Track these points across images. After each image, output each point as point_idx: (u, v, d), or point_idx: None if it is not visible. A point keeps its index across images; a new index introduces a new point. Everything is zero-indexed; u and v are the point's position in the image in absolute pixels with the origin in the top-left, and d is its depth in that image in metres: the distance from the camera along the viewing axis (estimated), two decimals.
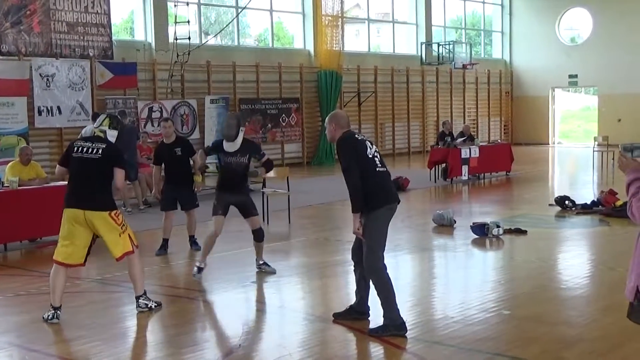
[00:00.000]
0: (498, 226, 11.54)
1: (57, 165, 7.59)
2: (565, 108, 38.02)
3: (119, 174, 7.35)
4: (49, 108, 19.38)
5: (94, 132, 7.46)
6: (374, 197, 6.72)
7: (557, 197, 14.59)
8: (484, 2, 34.61)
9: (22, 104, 18.66)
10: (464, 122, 28.86)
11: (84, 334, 6.92)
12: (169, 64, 21.62)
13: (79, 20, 19.98)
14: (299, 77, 25.80)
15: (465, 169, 19.23)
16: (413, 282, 9.24)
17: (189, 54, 21.56)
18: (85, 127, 16.15)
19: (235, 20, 24.93)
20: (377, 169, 6.79)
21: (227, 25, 25.30)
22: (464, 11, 34.13)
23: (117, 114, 17.40)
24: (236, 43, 25.27)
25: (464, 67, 30.50)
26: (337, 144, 6.86)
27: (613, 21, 31.57)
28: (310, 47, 26.55)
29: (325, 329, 7.07)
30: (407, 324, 6.71)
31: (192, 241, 10.75)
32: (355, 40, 31.04)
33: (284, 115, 25.04)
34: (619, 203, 13.29)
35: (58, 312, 7.25)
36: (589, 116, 38.11)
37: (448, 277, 9.74)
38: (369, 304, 7.14)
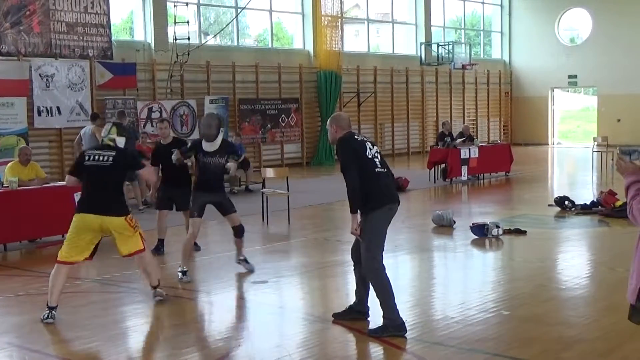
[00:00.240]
0: (497, 227, 11.55)
1: (68, 175, 7.69)
2: (564, 108, 38.04)
3: (144, 172, 7.79)
4: (49, 108, 19.38)
5: (103, 141, 7.59)
6: (373, 197, 6.72)
7: (556, 198, 14.59)
8: (483, 3, 34.62)
9: (22, 104, 18.65)
10: (464, 123, 28.85)
11: (83, 334, 6.92)
12: (169, 64, 21.62)
13: (79, 21, 19.97)
14: (298, 78, 25.80)
15: (464, 169, 19.24)
16: (413, 282, 9.24)
17: (188, 54, 21.56)
18: (84, 127, 16.17)
19: (234, 20, 24.93)
20: (377, 170, 6.80)
21: (226, 26, 25.30)
22: (463, 11, 34.13)
23: (116, 115, 17.47)
24: (236, 43, 25.27)
25: (464, 67, 30.50)
26: (337, 145, 6.89)
27: (612, 21, 31.59)
28: (309, 47, 26.55)
29: (325, 329, 7.07)
30: (407, 325, 6.71)
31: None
32: (354, 41, 31.05)
33: (283, 115, 25.04)
34: (618, 203, 13.29)
35: (54, 312, 7.25)
36: (588, 116, 38.16)
37: (448, 278, 9.74)
38: (369, 304, 7.14)
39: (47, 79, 19.29)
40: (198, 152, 9.12)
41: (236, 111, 23.57)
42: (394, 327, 6.65)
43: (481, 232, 11.48)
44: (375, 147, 6.96)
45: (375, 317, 6.90)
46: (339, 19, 26.64)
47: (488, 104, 33.80)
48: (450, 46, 30.39)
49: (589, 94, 39.38)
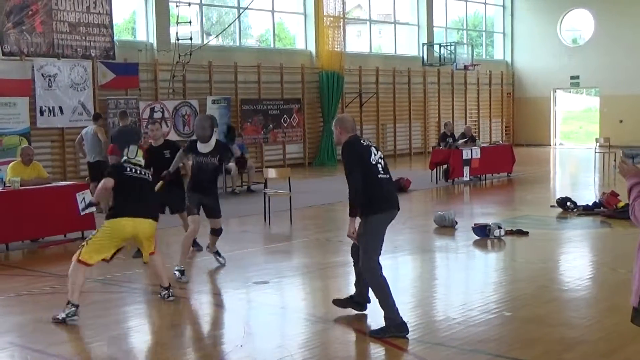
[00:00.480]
0: (499, 227, 11.54)
1: (109, 178, 7.80)
2: (566, 109, 38.01)
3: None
4: (51, 108, 19.39)
5: (130, 160, 7.98)
6: (374, 202, 6.79)
7: (558, 199, 14.58)
8: (485, 3, 34.60)
9: (24, 104, 18.67)
10: (466, 123, 28.81)
11: (85, 334, 6.93)
12: (171, 65, 21.63)
13: (81, 21, 19.99)
14: (300, 78, 25.79)
15: (466, 170, 19.22)
16: (414, 283, 9.24)
17: (190, 54, 21.57)
18: (86, 127, 16.16)
19: (237, 20, 24.92)
20: (379, 176, 6.86)
21: (228, 26, 25.30)
22: (465, 12, 34.11)
23: (118, 115, 17.46)
24: (238, 43, 25.27)
25: (466, 68, 30.48)
26: (342, 148, 6.94)
27: (615, 22, 31.56)
28: (312, 47, 26.55)
29: (326, 329, 7.07)
30: (408, 325, 6.72)
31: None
32: (356, 41, 31.05)
33: (285, 116, 25.04)
34: (620, 204, 13.28)
35: (77, 309, 7.23)
36: (590, 117, 38.13)
37: (449, 279, 9.73)
38: (369, 296, 7.28)
39: (49, 79, 19.30)
40: (193, 152, 9.28)
41: (238, 111, 23.57)
42: (395, 327, 6.67)
43: (483, 233, 11.47)
44: (379, 153, 7.01)
45: (376, 317, 6.91)
46: (341, 20, 26.62)
47: (490, 105, 33.77)
48: (453, 47, 30.38)
49: (591, 94, 39.36)
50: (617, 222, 12.83)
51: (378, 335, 6.68)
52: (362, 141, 7.02)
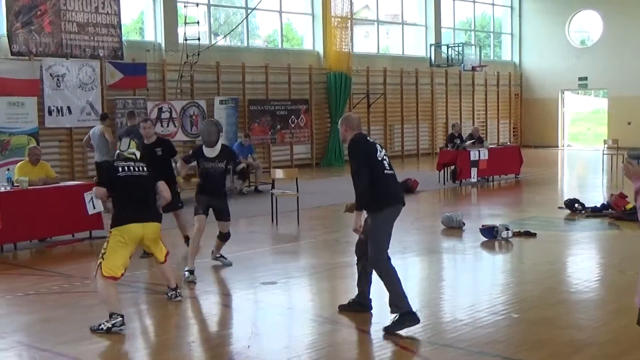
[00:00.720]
0: (507, 229, 11.51)
1: (98, 187, 7.62)
2: (574, 110, 37.90)
3: (164, 187, 7.80)
4: (59, 108, 19.44)
5: (122, 155, 7.68)
6: (381, 198, 6.94)
7: (566, 200, 14.54)
8: (493, 4, 34.55)
9: (33, 103, 18.72)
10: (473, 124, 28.75)
11: (93, 334, 6.92)
12: (179, 65, 21.66)
13: (89, 21, 20.04)
14: (308, 79, 25.80)
15: (474, 171, 19.19)
16: (422, 284, 9.22)
17: (198, 54, 21.60)
18: (93, 127, 16.20)
19: (244, 21, 24.94)
20: (385, 172, 7.03)
21: (236, 26, 25.32)
22: (473, 13, 34.06)
23: (126, 115, 17.49)
24: (245, 44, 25.30)
25: (474, 69, 30.45)
26: (348, 145, 7.13)
27: (623, 23, 31.47)
28: (319, 48, 26.56)
29: (334, 330, 7.08)
30: (416, 326, 6.74)
31: (187, 241, 10.68)
32: (364, 42, 31.03)
33: (293, 116, 25.04)
34: (629, 206, 13.23)
35: (123, 319, 7.07)
36: (598, 119, 38.03)
37: (457, 280, 9.72)
38: (371, 297, 7.41)
39: (57, 79, 19.35)
40: (199, 157, 9.36)
41: (246, 112, 23.58)
42: (407, 318, 6.80)
43: (490, 234, 11.45)
44: (383, 150, 7.17)
45: (381, 315, 6.91)
46: (349, 20, 26.62)
47: (498, 106, 33.72)
48: (460, 48, 30.36)
49: (599, 96, 39.26)
50: (625, 224, 12.79)
51: (393, 330, 6.77)
52: (367, 138, 7.23)
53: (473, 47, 31.52)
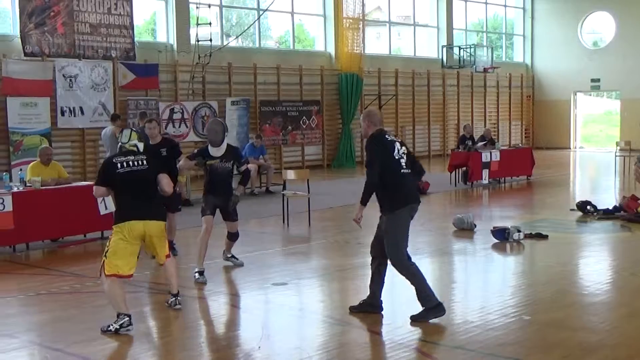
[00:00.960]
0: (519, 231, 11.48)
1: (97, 186, 7.53)
2: (587, 112, 37.76)
3: (165, 179, 7.58)
4: (72, 108, 19.52)
5: (124, 148, 7.53)
6: (398, 197, 7.09)
7: (578, 202, 14.49)
8: (505, 6, 34.49)
9: (45, 104, 18.82)
10: (485, 126, 28.76)
11: (103, 335, 6.94)
12: (191, 66, 21.71)
13: (102, 22, 20.13)
14: (319, 80, 25.81)
15: (485, 172, 19.16)
16: (433, 286, 9.12)
17: (210, 55, 21.64)
18: (105, 127, 16.25)
19: (256, 22, 24.98)
20: (402, 171, 7.14)
21: (248, 28, 25.35)
22: (485, 14, 34.00)
23: (138, 115, 17.56)
24: (257, 45, 25.33)
25: (485, 70, 30.39)
26: (367, 141, 7.27)
27: (636, 25, 31.32)
28: (331, 49, 26.57)
29: (344, 332, 7.08)
30: (426, 328, 6.78)
31: (170, 246, 10.58)
32: (376, 43, 31.02)
33: (304, 117, 25.06)
34: None
35: (130, 319, 7.07)
36: (611, 120, 37.88)
37: (468, 282, 9.70)
38: (382, 299, 7.46)
39: (70, 80, 19.43)
40: (205, 157, 9.34)
41: (257, 113, 23.62)
42: (433, 310, 7.07)
43: (502, 236, 11.42)
44: (403, 147, 7.26)
45: (392, 319, 6.90)
46: (361, 21, 26.63)
47: (510, 108, 33.65)
48: (472, 49, 30.30)
49: (611, 98, 39.09)
50: (637, 227, 12.73)
51: (420, 319, 7.01)
52: (386, 136, 7.26)
53: (485, 48, 31.45)
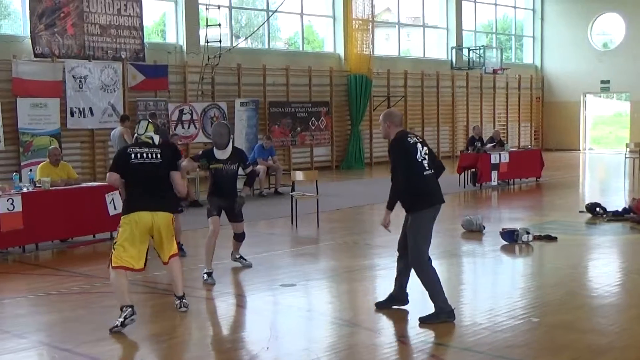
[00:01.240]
0: (528, 232, 11.46)
1: (111, 172, 7.52)
2: (596, 114, 37.67)
3: (177, 177, 7.56)
4: (81, 109, 19.59)
5: (139, 139, 7.53)
6: (422, 199, 7.17)
7: (587, 204, 14.46)
8: (515, 7, 34.43)
9: (55, 105, 18.88)
10: (494, 127, 28.67)
11: (114, 335, 6.96)
12: (200, 67, 21.75)
13: (112, 23, 20.19)
14: (328, 81, 25.81)
15: (494, 174, 19.13)
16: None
17: (219, 56, 21.67)
18: (114, 128, 16.29)
19: (265, 23, 25.01)
20: (425, 173, 7.19)
21: (257, 29, 25.38)
22: (494, 16, 33.96)
23: (147, 116, 17.59)
24: (266, 46, 25.36)
25: (495, 72, 30.34)
26: (390, 144, 7.29)
27: None
28: (340, 50, 26.57)
29: (353, 333, 7.07)
30: (435, 331, 6.78)
31: (178, 247, 10.61)
32: (385, 44, 31.02)
33: (313, 118, 25.06)
34: None
35: (133, 309, 7.07)
36: (620, 122, 37.76)
37: (476, 284, 9.68)
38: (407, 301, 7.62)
39: (80, 81, 19.50)
40: (210, 159, 9.33)
41: (266, 114, 23.64)
42: (445, 314, 7.13)
43: (511, 237, 11.40)
44: (425, 148, 7.28)
45: (401, 321, 6.90)
46: (370, 23, 26.62)
47: (519, 109, 33.59)
48: (482, 50, 30.25)
49: (621, 99, 38.97)
50: None
51: (429, 321, 7.05)
52: (408, 138, 7.26)
53: (494, 49, 31.39)
